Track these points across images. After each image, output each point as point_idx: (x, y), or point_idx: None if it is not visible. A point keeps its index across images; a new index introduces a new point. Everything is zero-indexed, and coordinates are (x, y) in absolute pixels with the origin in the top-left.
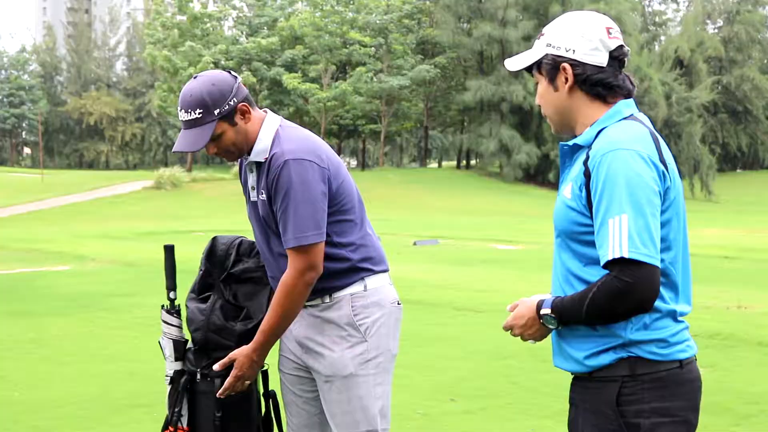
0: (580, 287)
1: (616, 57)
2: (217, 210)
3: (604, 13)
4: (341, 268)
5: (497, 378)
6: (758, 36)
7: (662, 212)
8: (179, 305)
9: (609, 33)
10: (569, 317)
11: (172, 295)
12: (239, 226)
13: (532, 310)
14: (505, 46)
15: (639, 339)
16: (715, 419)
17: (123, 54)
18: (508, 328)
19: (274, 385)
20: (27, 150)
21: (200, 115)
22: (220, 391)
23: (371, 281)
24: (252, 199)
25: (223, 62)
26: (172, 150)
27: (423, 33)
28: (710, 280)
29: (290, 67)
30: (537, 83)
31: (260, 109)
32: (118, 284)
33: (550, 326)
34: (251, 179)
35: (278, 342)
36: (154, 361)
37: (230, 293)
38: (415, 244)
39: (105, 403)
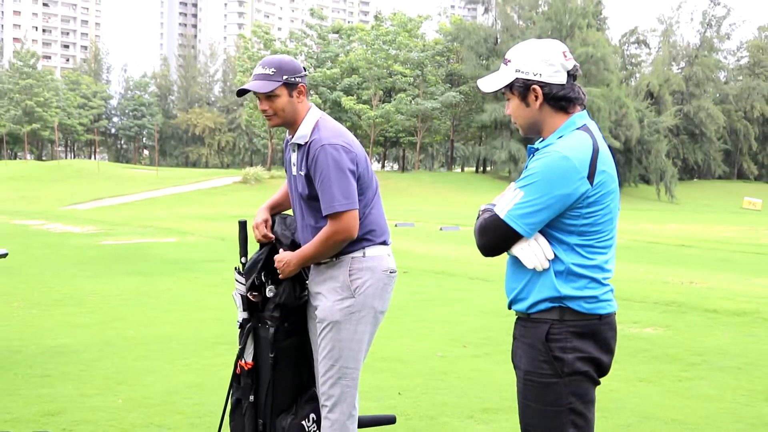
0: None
1: (572, 74)
2: None
3: (591, 56)
4: None
5: (500, 331)
6: (712, 75)
7: (587, 206)
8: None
9: (565, 56)
10: None
11: (243, 260)
12: None
13: None
14: None
15: (572, 295)
16: (669, 366)
17: (220, 79)
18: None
19: None
20: (146, 152)
21: (272, 72)
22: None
23: (370, 250)
24: (293, 173)
25: None
26: (240, 88)
27: (451, 67)
28: (670, 262)
29: (347, 91)
30: (508, 99)
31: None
32: (212, 253)
33: None
34: (294, 157)
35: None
36: (237, 311)
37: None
38: (441, 229)
39: (198, 341)
